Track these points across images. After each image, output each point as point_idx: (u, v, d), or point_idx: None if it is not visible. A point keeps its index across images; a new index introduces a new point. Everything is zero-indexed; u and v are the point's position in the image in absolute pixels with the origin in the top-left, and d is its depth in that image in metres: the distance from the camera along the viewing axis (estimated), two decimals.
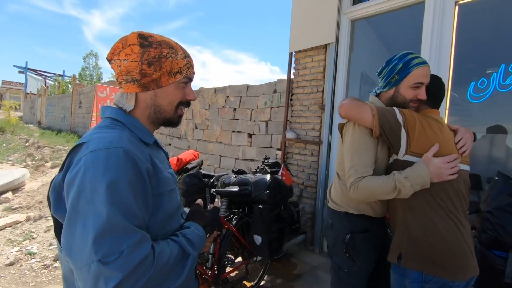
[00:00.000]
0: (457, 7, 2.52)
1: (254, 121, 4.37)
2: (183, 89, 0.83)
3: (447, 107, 2.54)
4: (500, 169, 2.07)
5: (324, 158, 3.32)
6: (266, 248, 2.20)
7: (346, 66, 3.30)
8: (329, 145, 3.29)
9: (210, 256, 2.08)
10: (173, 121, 0.85)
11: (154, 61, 0.75)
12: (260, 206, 2.20)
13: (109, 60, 0.78)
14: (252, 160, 4.40)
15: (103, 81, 23.22)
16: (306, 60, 3.63)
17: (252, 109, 4.42)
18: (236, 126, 4.71)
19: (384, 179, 1.13)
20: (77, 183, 0.62)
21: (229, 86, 4.89)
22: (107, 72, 33.21)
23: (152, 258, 0.64)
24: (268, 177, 2.34)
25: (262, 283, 2.53)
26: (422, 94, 1.26)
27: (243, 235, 2.38)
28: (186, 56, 0.81)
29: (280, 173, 2.82)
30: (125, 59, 0.74)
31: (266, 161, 3.06)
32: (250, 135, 4.46)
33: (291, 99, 3.79)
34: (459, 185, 1.13)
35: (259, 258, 2.50)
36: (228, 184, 2.46)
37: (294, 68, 3.76)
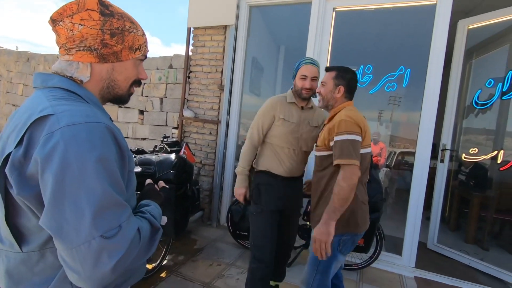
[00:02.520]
0: (334, 12, 3.04)
1: (147, 96, 4.04)
2: (138, 67, 0.78)
3: None
4: None
5: (222, 137, 3.46)
6: (171, 227, 2.19)
7: (244, 49, 3.47)
8: (227, 124, 3.45)
9: None
10: (124, 99, 0.79)
11: (117, 32, 0.69)
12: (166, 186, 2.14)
13: (55, 20, 0.66)
14: (144, 139, 4.10)
15: None
16: (205, 38, 3.59)
17: (144, 84, 4.06)
18: None
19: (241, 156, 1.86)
20: (58, 159, 0.54)
21: None
22: None
23: (138, 232, 0.62)
24: (173, 156, 2.29)
25: (165, 262, 2.51)
26: (306, 84, 1.75)
27: None
28: (144, 34, 0.77)
29: (182, 152, 2.79)
30: (80, 24, 0.65)
31: (165, 140, 2.95)
32: (141, 112, 4.11)
33: (188, 77, 3.70)
34: (368, 163, 1.53)
35: (161, 238, 2.45)
36: None
37: (193, 45, 3.66)
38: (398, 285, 2.51)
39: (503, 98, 2.87)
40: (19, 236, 0.61)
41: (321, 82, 1.60)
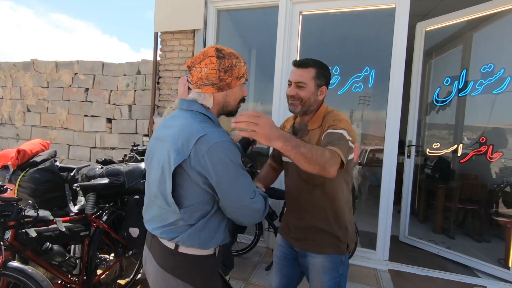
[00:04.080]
0: (301, 16, 3.11)
1: (114, 104, 3.88)
2: (242, 88, 1.04)
3: None
4: None
5: None
6: (144, 239, 2.10)
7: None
8: None
9: (77, 261, 1.80)
10: (233, 113, 1.07)
11: (228, 69, 0.96)
12: (136, 197, 2.06)
13: (190, 66, 0.97)
14: (113, 149, 3.93)
15: None
16: (174, 43, 3.52)
17: (111, 91, 3.90)
18: (90, 109, 4.04)
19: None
20: (220, 162, 0.89)
21: (77, 61, 4.09)
22: None
23: (264, 199, 1.01)
24: (142, 165, 2.20)
25: (139, 276, 2.41)
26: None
27: (115, 231, 2.16)
28: (245, 63, 1.03)
29: None
30: (205, 67, 0.94)
31: (135, 148, 2.84)
32: (109, 120, 3.94)
33: (158, 82, 3.61)
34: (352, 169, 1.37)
35: (134, 251, 2.35)
36: (93, 177, 2.15)
37: (161, 50, 3.58)
38: (374, 279, 2.58)
39: (460, 95, 3.07)
40: (179, 204, 0.93)
41: (297, 83, 1.25)
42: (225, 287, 1.12)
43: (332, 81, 3.08)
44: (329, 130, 1.18)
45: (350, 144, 1.15)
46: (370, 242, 3.06)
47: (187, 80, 1.83)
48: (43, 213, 1.60)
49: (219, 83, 0.96)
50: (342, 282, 1.32)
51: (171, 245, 0.97)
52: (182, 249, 0.97)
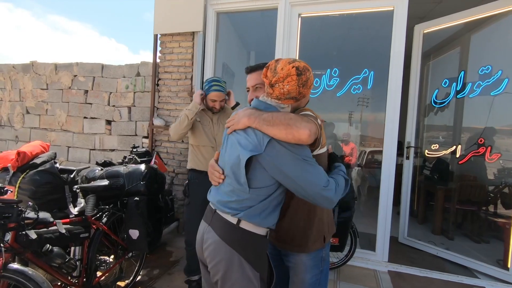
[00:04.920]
0: (300, 18, 3.12)
1: (114, 106, 3.89)
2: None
3: None
4: None
5: None
6: (144, 241, 2.10)
7: (213, 55, 3.45)
8: None
9: (77, 262, 1.79)
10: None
11: (305, 83, 1.10)
12: (136, 198, 2.06)
13: (273, 84, 1.10)
14: (113, 150, 3.93)
15: None
16: (173, 45, 3.53)
17: (111, 93, 3.90)
18: (90, 111, 4.04)
19: (179, 117, 2.17)
20: (289, 157, 1.03)
21: (77, 63, 4.10)
22: None
23: (335, 182, 1.07)
24: (142, 167, 2.21)
25: (139, 278, 2.41)
26: (216, 105, 2.21)
27: (115, 232, 2.16)
28: (311, 70, 1.15)
29: (153, 162, 2.70)
30: (287, 85, 1.08)
31: (135, 150, 2.84)
32: (109, 122, 3.94)
33: (157, 84, 3.61)
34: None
35: (133, 253, 2.35)
36: (93, 179, 2.15)
37: (160, 52, 3.59)
38: (373, 280, 2.58)
39: (458, 96, 3.09)
40: (249, 184, 1.07)
41: (254, 86, 1.32)
42: (270, 269, 1.19)
43: (331, 82, 3.12)
44: None
45: (318, 122, 1.12)
46: (369, 243, 3.06)
47: (201, 93, 2.22)
48: (43, 215, 1.60)
49: (298, 96, 1.11)
50: (323, 279, 1.34)
51: (233, 220, 1.10)
52: (243, 224, 1.09)
